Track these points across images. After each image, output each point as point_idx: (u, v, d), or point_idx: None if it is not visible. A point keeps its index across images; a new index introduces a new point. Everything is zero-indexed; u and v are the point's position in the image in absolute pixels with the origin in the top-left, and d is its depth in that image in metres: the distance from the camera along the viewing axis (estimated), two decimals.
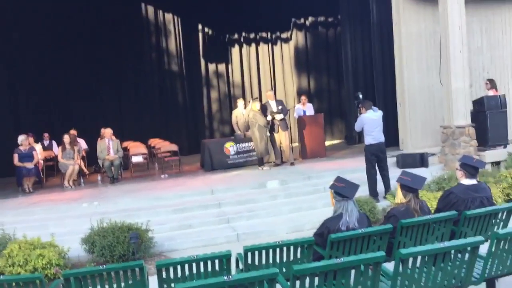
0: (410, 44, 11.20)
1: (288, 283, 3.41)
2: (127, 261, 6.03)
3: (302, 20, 16.95)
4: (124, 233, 6.18)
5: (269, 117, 10.63)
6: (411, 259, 3.33)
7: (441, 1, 9.62)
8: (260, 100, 11.66)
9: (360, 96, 9.42)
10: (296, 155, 11.90)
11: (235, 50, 16.88)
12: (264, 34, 17.07)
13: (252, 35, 16.98)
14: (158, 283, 3.90)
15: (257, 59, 17.01)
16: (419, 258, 3.35)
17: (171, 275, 3.87)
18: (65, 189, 10.14)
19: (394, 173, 8.88)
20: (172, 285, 3.88)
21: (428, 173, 8.43)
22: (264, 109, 10.74)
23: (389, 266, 3.83)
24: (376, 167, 8.30)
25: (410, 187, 4.40)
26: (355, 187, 4.32)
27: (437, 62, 10.31)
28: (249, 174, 10.33)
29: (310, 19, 16.88)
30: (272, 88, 14.41)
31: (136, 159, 11.38)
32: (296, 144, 12.69)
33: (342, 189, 4.21)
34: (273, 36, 17.15)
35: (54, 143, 12.65)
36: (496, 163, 9.73)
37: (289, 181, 9.19)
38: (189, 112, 16.26)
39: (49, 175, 12.08)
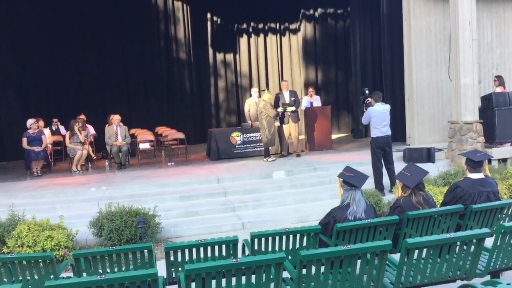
0: (420, 39, 11.16)
1: (295, 270, 3.46)
2: None
3: (311, 11, 16.92)
4: (131, 218, 6.26)
5: (280, 109, 10.66)
6: (417, 250, 3.37)
7: None
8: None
9: (367, 92, 9.43)
10: (303, 147, 11.93)
11: (243, 40, 16.89)
12: (272, 25, 17.06)
13: (260, 25, 16.98)
14: (166, 266, 3.97)
15: (265, 50, 17.02)
16: (424, 249, 3.39)
17: (179, 258, 3.93)
18: (73, 174, 10.24)
19: (400, 167, 8.89)
20: (180, 268, 3.94)
21: (435, 168, 8.47)
22: (276, 100, 10.80)
23: (395, 258, 3.88)
24: (382, 161, 8.33)
25: (403, 183, 4.46)
26: (364, 177, 4.35)
27: (446, 57, 10.28)
28: (255, 164, 10.37)
29: (320, 10, 16.85)
30: (282, 79, 14.41)
31: (143, 146, 11.45)
32: (302, 136, 12.72)
33: (351, 179, 4.24)
34: (282, 26, 17.15)
35: (62, 128, 12.75)
36: (503, 160, 9.73)
37: (295, 172, 9.24)
38: (196, 101, 16.32)
39: (57, 160, 12.18)
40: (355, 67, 14.37)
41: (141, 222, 6.17)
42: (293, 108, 10.86)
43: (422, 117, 11.26)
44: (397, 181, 4.57)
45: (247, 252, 4.41)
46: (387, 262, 3.44)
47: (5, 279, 3.84)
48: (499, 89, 10.37)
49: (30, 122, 10.40)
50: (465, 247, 3.48)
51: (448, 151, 10.03)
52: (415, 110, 11.23)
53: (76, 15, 14.13)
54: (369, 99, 8.52)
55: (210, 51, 16.46)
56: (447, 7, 9.94)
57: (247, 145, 11.42)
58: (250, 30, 16.94)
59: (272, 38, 17.10)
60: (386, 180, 8.34)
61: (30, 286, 3.81)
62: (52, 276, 3.81)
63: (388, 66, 12.66)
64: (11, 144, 12.64)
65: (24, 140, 10.19)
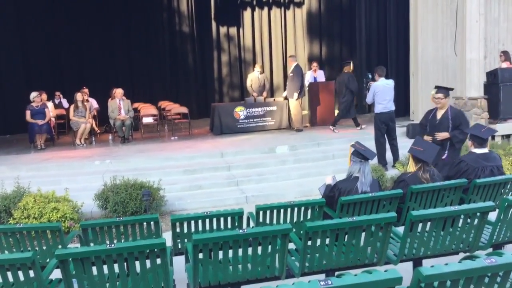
0: (426, 13, 11.01)
1: (300, 241, 3.50)
2: None
3: None
4: (136, 190, 6.31)
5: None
6: (421, 223, 3.40)
7: None
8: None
9: (370, 76, 9.38)
10: (306, 122, 11.92)
11: (247, 13, 16.63)
12: None
13: None
14: (172, 237, 4.02)
15: (269, 23, 16.75)
16: (428, 222, 3.42)
17: (185, 230, 3.98)
18: (76, 147, 10.28)
19: (404, 142, 8.95)
20: (185, 239, 4.00)
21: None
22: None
23: (398, 230, 3.91)
24: (385, 136, 8.33)
25: (420, 158, 4.47)
26: (373, 153, 4.47)
27: (453, 31, 10.15)
28: (258, 138, 10.38)
29: None
30: (285, 53, 14.30)
31: (146, 120, 11.45)
32: (305, 112, 12.69)
33: (363, 151, 4.30)
34: (286, 0, 16.87)
35: (65, 101, 12.74)
36: (507, 136, 9.71)
37: (298, 147, 9.26)
38: (199, 75, 16.21)
39: (60, 133, 12.20)
40: (360, 41, 14.21)
41: (146, 195, 6.22)
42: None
43: (427, 92, 11.13)
44: (407, 154, 4.58)
45: (252, 224, 4.46)
46: (391, 234, 3.47)
47: (14, 249, 3.90)
48: (504, 65, 10.28)
49: (33, 95, 10.37)
50: (468, 220, 3.51)
51: None
52: (420, 85, 11.16)
53: None
54: (371, 82, 8.50)
55: (214, 24, 16.24)
56: None
57: (251, 120, 11.40)
58: (254, 3, 16.64)
59: (276, 12, 16.81)
60: (389, 155, 8.35)
61: (38, 256, 3.87)
62: (60, 246, 3.87)
63: (393, 41, 12.53)
64: (15, 117, 12.65)
65: (28, 113, 10.19)
